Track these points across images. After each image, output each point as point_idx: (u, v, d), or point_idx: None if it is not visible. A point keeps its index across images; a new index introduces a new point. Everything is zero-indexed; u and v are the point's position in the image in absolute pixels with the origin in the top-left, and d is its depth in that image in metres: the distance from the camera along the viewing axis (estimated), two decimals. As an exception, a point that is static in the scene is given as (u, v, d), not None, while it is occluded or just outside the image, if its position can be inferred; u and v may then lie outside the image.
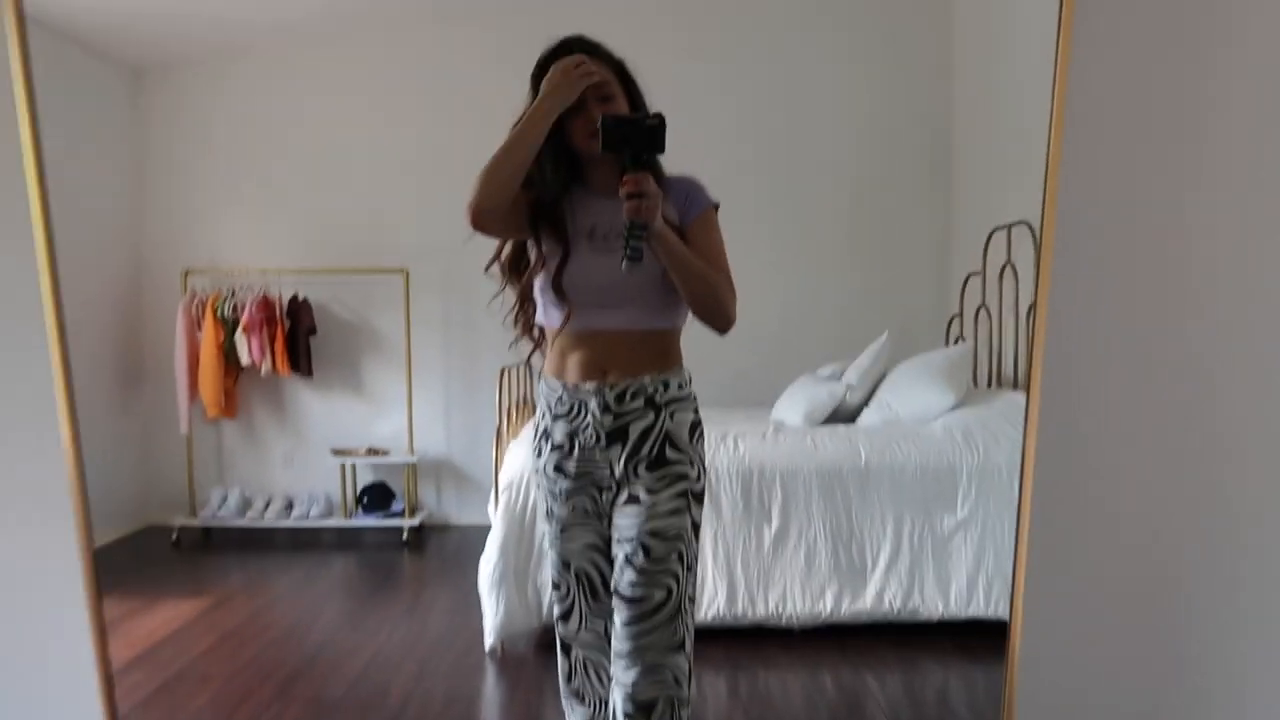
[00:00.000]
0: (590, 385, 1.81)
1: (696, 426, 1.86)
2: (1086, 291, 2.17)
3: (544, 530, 1.99)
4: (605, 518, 1.86)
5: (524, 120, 1.73)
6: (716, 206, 1.90)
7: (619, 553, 1.80)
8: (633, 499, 1.81)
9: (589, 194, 1.84)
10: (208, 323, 4.86)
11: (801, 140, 4.86)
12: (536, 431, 1.91)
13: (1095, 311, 2.20)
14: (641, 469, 1.81)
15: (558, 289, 1.80)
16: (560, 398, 1.85)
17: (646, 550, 1.76)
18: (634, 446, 1.81)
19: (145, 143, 5.16)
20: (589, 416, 1.81)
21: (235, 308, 4.91)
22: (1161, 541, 2.11)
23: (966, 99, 4.61)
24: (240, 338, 4.85)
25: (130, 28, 4.61)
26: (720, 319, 1.79)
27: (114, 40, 4.74)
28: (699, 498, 1.85)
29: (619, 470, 1.82)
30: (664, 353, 1.85)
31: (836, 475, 3.15)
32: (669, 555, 1.77)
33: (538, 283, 1.85)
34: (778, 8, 4.86)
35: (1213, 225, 2.16)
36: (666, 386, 1.83)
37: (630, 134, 1.65)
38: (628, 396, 1.80)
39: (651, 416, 1.81)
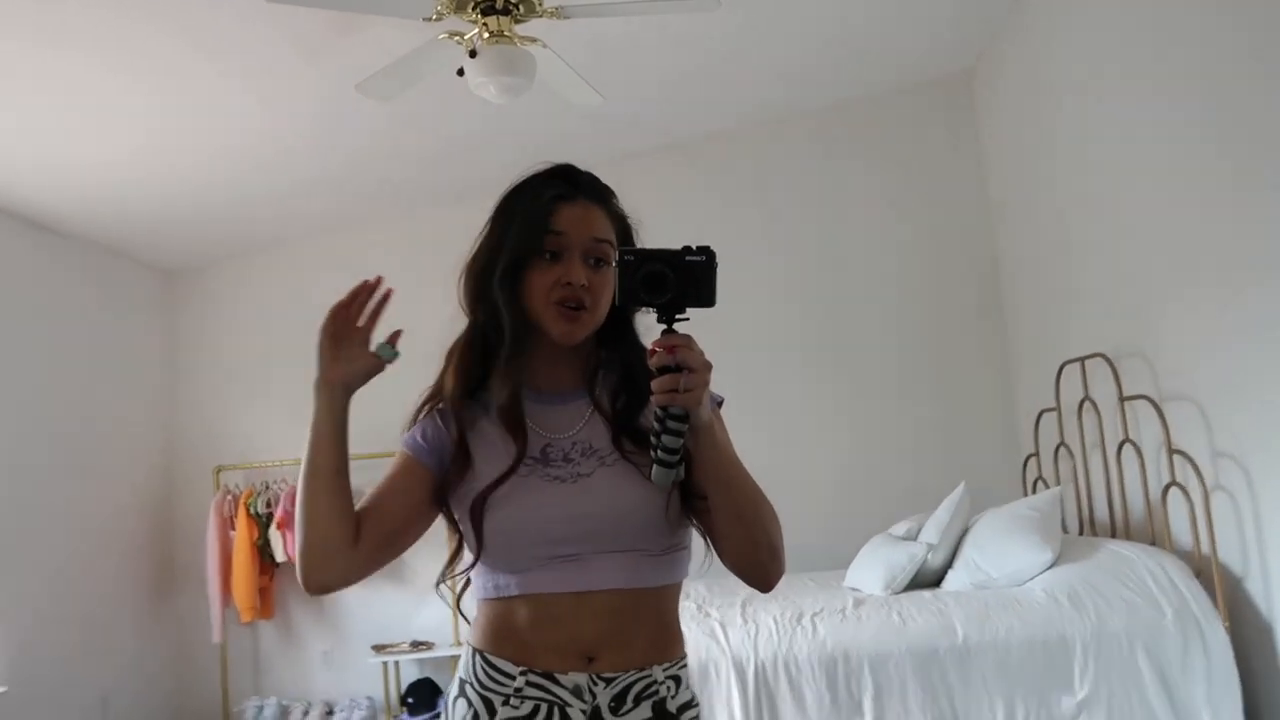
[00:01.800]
0: (570, 679, 1.18)
1: None
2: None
3: None
4: None
5: (313, 424, 1.21)
6: (721, 403, 1.29)
7: None
8: None
9: (534, 399, 1.27)
10: (240, 520, 4.65)
11: (846, 291, 4.70)
12: None
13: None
14: None
15: (509, 538, 1.20)
16: (513, 693, 1.19)
17: None
18: None
19: (176, 342, 5.12)
20: None
21: (269, 502, 4.71)
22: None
23: (1009, 233, 4.43)
24: (275, 533, 4.63)
25: (158, 233, 4.63)
26: (773, 562, 1.20)
27: (144, 246, 4.76)
28: None
29: None
30: (669, 627, 1.26)
31: (932, 656, 2.78)
32: None
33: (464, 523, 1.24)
34: (813, 160, 4.80)
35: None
36: (679, 684, 1.24)
37: (660, 276, 1.08)
38: (629, 699, 1.20)
39: None
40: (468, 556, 1.25)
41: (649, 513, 1.21)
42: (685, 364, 1.05)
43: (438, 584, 1.29)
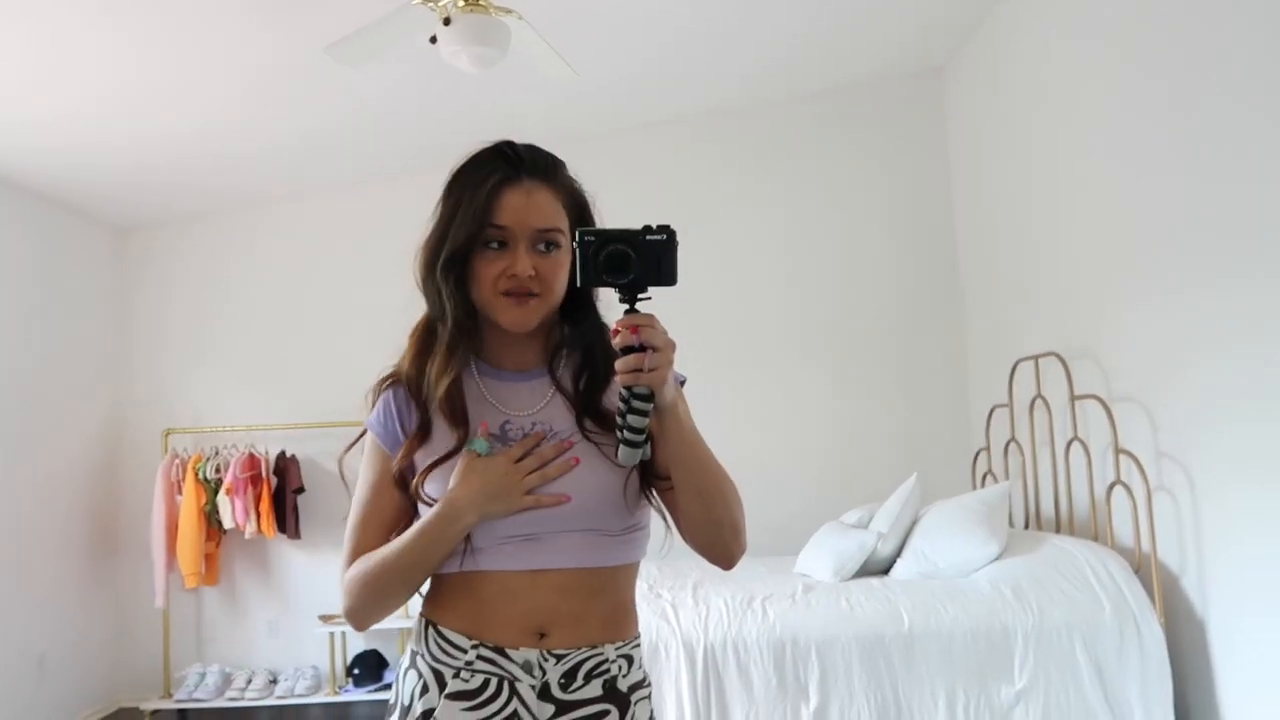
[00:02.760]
0: (521, 654, 1.18)
1: None
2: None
3: None
4: None
5: (427, 528, 1.18)
6: (683, 382, 1.26)
7: None
8: None
9: (495, 376, 1.27)
10: (188, 485, 4.58)
11: (808, 279, 4.73)
12: (398, 713, 1.23)
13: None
14: None
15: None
16: (464, 665, 1.19)
17: None
18: None
19: (129, 301, 5.01)
20: (513, 703, 1.17)
21: (218, 468, 4.64)
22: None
23: (970, 229, 4.49)
24: (223, 499, 4.56)
25: (111, 190, 4.51)
26: (736, 540, 1.20)
27: (98, 202, 4.63)
28: None
29: None
30: (624, 606, 1.26)
31: (878, 643, 2.83)
32: None
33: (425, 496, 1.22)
34: (781, 148, 4.80)
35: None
36: (630, 663, 1.24)
37: (622, 256, 1.08)
38: (580, 675, 1.19)
39: (615, 716, 1.20)
40: None
41: (609, 494, 1.20)
42: (649, 343, 1.06)
43: None
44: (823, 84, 4.64)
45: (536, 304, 1.21)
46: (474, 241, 1.19)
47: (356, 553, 1.23)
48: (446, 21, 2.79)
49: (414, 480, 1.21)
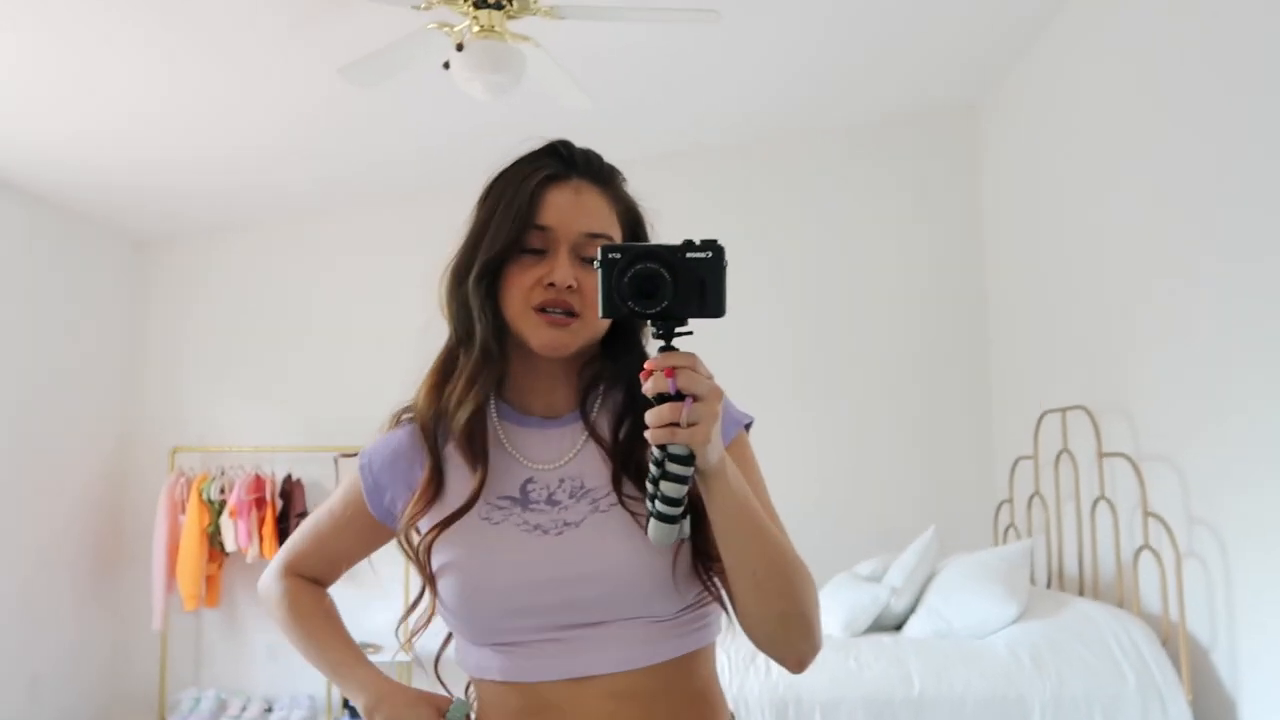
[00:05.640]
0: None
1: None
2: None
3: None
4: None
5: (335, 675, 1.09)
6: (749, 425, 1.09)
7: None
8: None
9: (517, 421, 1.07)
10: (193, 505, 4.52)
11: (831, 319, 4.61)
12: None
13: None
14: None
15: (473, 605, 0.99)
16: None
17: None
18: None
19: (144, 315, 4.98)
20: None
21: (223, 489, 4.58)
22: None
23: (1000, 274, 4.36)
24: (227, 521, 4.50)
25: (129, 202, 4.50)
26: (805, 639, 0.97)
27: (115, 214, 4.63)
28: None
29: None
30: (703, 695, 1.02)
31: (887, 706, 2.69)
32: None
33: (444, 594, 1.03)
34: (806, 181, 4.71)
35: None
36: None
37: (654, 278, 0.86)
38: None
39: None
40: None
41: (653, 574, 0.96)
42: (689, 391, 0.83)
43: (396, 631, 1.15)
44: (851, 118, 4.54)
45: (577, 326, 1.00)
46: (511, 245, 1.00)
47: (292, 565, 1.18)
48: (460, 47, 2.73)
49: (419, 542, 1.01)
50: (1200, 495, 2.80)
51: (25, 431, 4.18)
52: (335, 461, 4.51)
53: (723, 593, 1.00)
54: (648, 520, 0.90)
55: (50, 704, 4.30)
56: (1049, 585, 3.69)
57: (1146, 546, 2.93)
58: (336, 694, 4.55)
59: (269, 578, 1.19)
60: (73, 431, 4.53)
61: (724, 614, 1.02)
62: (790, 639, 0.97)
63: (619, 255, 0.86)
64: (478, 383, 1.02)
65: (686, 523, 0.90)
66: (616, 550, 0.97)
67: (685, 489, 0.87)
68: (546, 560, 0.97)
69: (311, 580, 1.20)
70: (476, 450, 1.02)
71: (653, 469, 0.87)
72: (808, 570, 0.97)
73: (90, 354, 4.67)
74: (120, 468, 4.82)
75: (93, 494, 4.65)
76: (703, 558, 0.98)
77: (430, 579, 1.01)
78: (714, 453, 0.86)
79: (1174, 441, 2.93)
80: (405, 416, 1.10)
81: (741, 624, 0.98)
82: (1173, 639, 2.79)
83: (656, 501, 0.87)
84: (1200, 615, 2.80)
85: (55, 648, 4.36)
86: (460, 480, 1.03)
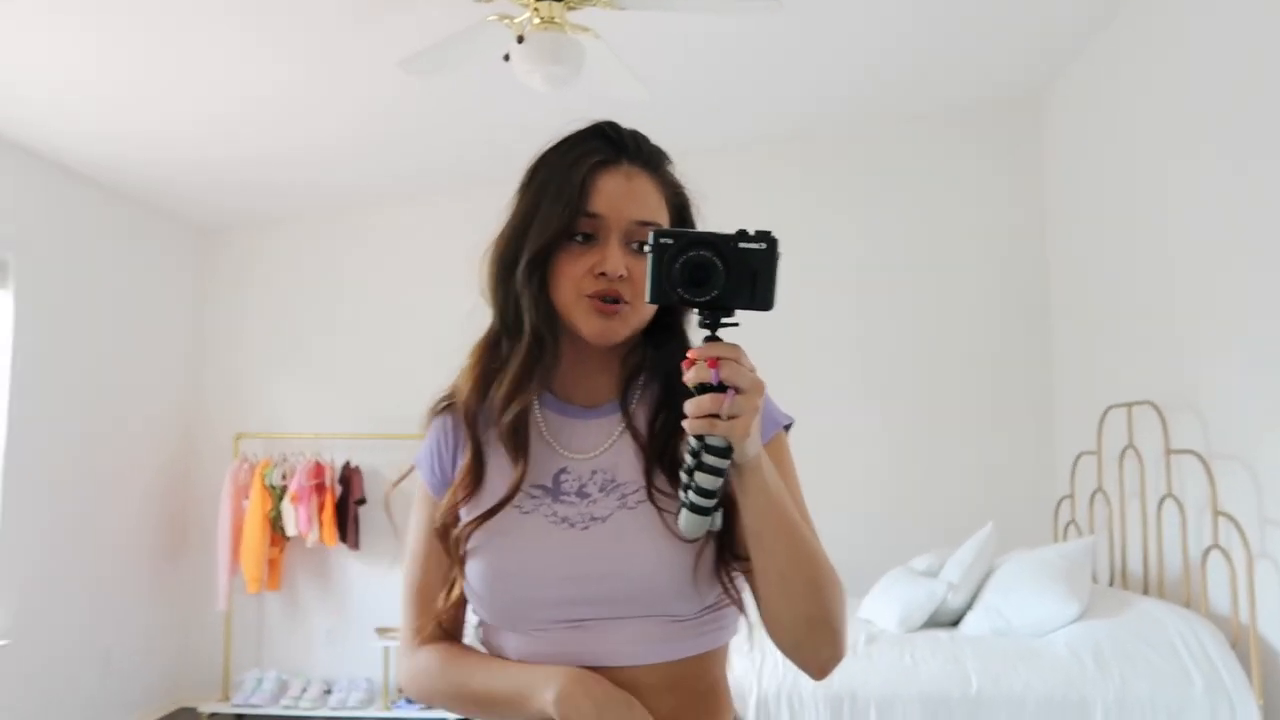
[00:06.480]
0: None
1: None
2: None
3: None
4: None
5: (506, 692, 0.98)
6: (789, 426, 1.07)
7: None
8: None
9: (559, 410, 1.07)
10: (255, 490, 4.62)
11: (891, 312, 4.55)
12: None
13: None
14: None
15: (494, 591, 0.99)
16: None
17: None
18: None
19: (206, 303, 5.10)
20: None
21: (284, 475, 4.67)
22: None
23: (1063, 266, 4.26)
24: (288, 506, 4.60)
25: (197, 196, 4.61)
26: (830, 645, 0.95)
27: (181, 204, 4.74)
28: None
29: None
30: (710, 694, 1.02)
31: (943, 704, 2.66)
32: None
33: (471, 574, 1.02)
34: (866, 175, 4.65)
35: None
36: None
37: (706, 265, 0.85)
38: None
39: None
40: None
41: (673, 573, 0.96)
42: (731, 383, 0.82)
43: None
44: (914, 108, 4.47)
45: (627, 313, 1.00)
46: (560, 233, 0.99)
47: (416, 628, 1.05)
48: (520, 39, 2.74)
49: (455, 532, 1.00)
50: (1274, 495, 2.72)
51: (95, 414, 4.31)
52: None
53: (743, 596, 1.00)
54: (679, 510, 0.89)
55: (122, 679, 4.44)
56: (1111, 583, 3.61)
57: (1216, 546, 2.85)
58: (393, 677, 4.63)
59: (403, 668, 1.08)
60: (142, 415, 4.65)
61: (742, 615, 1.02)
62: (815, 644, 0.95)
63: (671, 241, 0.86)
64: (532, 377, 1.02)
65: (719, 515, 0.89)
66: (640, 550, 0.97)
67: (720, 481, 0.86)
68: (570, 556, 0.98)
69: (444, 636, 1.08)
70: (520, 443, 1.02)
71: (688, 459, 0.87)
72: (837, 576, 0.96)
73: (155, 342, 4.79)
74: (186, 454, 4.95)
75: (161, 478, 4.79)
76: (728, 556, 0.98)
77: (460, 560, 1.01)
78: (752, 447, 0.86)
79: (1246, 440, 2.85)
80: (442, 406, 1.09)
81: (766, 627, 0.97)
82: (1242, 641, 2.72)
83: (690, 492, 0.87)
84: (1272, 618, 2.72)
85: (127, 627, 4.50)
86: (500, 471, 1.02)
